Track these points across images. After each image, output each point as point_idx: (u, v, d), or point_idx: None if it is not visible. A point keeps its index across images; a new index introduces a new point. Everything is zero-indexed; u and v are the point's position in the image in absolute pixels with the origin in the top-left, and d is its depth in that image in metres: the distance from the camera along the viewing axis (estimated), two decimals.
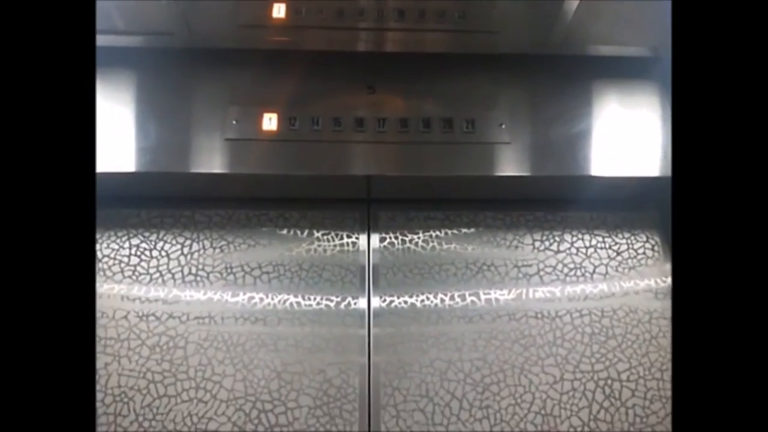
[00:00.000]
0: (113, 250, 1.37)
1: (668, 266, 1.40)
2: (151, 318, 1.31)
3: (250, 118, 1.36)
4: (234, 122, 1.35)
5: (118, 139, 1.30)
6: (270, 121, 1.36)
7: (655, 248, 1.41)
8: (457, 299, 1.34)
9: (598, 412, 1.24)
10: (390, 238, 1.41)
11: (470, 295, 1.35)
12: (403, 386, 1.25)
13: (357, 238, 1.41)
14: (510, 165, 1.35)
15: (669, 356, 1.30)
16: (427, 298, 1.34)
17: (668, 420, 1.24)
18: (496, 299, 1.34)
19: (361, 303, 1.33)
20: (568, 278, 1.37)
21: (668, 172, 1.34)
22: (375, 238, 1.41)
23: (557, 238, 1.41)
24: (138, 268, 1.36)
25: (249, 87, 1.39)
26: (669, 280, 1.38)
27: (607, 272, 1.38)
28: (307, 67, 1.41)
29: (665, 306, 1.35)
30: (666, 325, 1.33)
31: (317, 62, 1.41)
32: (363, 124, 1.35)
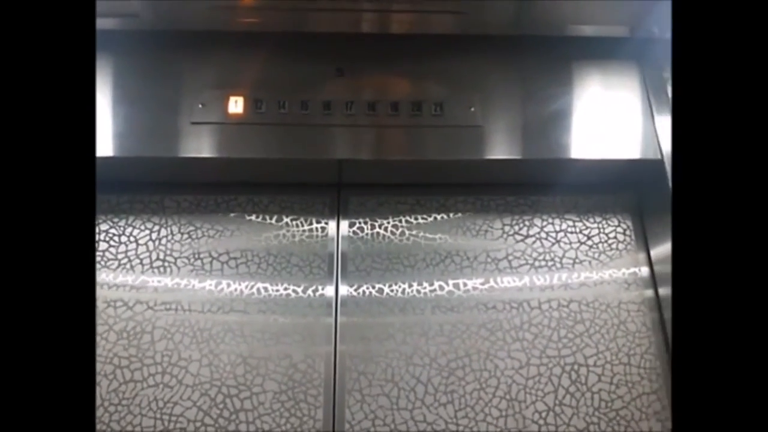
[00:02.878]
0: None
1: (640, 252, 1.38)
2: (119, 303, 1.31)
3: (216, 102, 1.34)
4: (200, 106, 1.34)
5: None
6: (236, 105, 1.34)
7: (627, 233, 1.40)
8: (426, 286, 1.33)
9: (564, 396, 1.24)
10: (359, 223, 1.40)
11: (438, 282, 1.34)
12: (369, 371, 1.25)
13: (326, 224, 1.40)
14: (480, 149, 1.33)
15: (636, 341, 1.29)
16: (395, 287, 1.33)
17: (633, 404, 1.23)
18: (464, 286, 1.33)
19: (329, 291, 1.32)
20: (537, 263, 1.36)
21: (644, 155, 1.33)
22: (344, 224, 1.40)
23: (527, 223, 1.40)
24: (107, 253, 1.36)
25: (215, 70, 1.37)
26: (639, 266, 1.37)
27: (576, 257, 1.36)
28: (274, 49, 1.39)
29: (634, 291, 1.34)
30: (635, 310, 1.32)
31: (285, 44, 1.39)
32: (330, 107, 1.34)
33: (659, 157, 1.32)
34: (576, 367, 1.26)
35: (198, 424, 1.21)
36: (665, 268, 1.31)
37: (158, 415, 1.21)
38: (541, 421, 1.22)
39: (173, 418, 1.21)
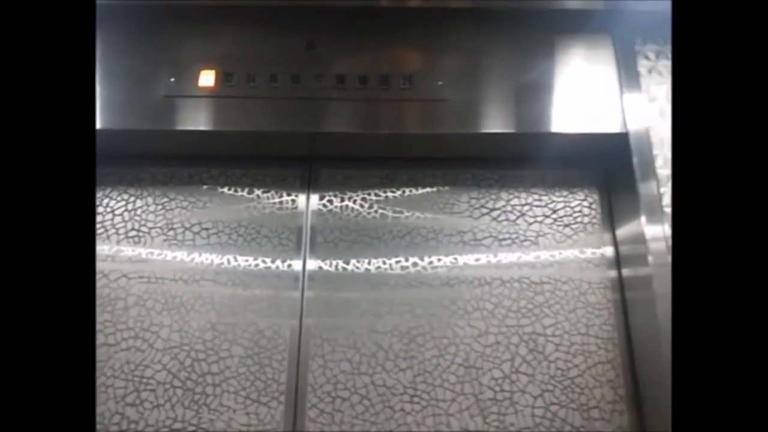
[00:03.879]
0: None
1: (605, 232, 1.38)
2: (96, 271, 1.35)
3: (188, 75, 1.37)
4: (172, 80, 1.36)
5: None
6: (207, 78, 1.37)
7: (593, 206, 1.41)
8: (392, 259, 1.36)
9: (521, 365, 1.27)
10: (329, 196, 1.43)
11: (403, 256, 1.36)
12: (332, 338, 1.28)
13: (296, 197, 1.43)
14: (448, 122, 1.35)
15: (596, 312, 1.31)
16: (362, 259, 1.36)
17: (588, 373, 1.26)
18: (428, 258, 1.36)
19: (296, 265, 1.36)
20: (501, 236, 1.38)
21: (612, 129, 1.33)
22: (314, 197, 1.43)
23: (493, 197, 1.41)
24: None
25: (187, 44, 1.39)
26: (604, 246, 1.37)
27: (540, 231, 1.38)
28: (244, 22, 1.40)
29: (597, 267, 1.36)
30: (597, 283, 1.34)
31: (255, 18, 1.40)
32: (300, 80, 1.36)
33: (625, 130, 1.32)
34: (534, 336, 1.29)
35: (167, 386, 1.26)
36: (629, 249, 1.31)
37: (130, 377, 1.27)
38: (497, 388, 1.25)
39: (144, 380, 1.26)
